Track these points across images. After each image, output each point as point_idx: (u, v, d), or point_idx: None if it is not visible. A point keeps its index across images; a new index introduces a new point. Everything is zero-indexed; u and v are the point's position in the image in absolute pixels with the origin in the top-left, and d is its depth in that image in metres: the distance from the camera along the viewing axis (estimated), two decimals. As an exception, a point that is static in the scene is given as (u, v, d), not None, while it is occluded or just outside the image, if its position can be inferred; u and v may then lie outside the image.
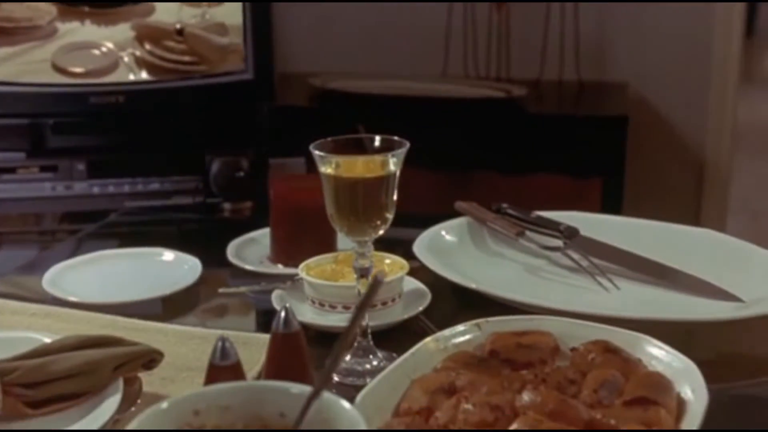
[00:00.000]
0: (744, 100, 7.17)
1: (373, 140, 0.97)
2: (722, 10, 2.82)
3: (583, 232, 1.28)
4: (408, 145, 0.95)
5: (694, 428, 0.80)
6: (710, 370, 0.90)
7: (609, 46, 2.87)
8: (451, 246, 1.29)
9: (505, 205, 1.35)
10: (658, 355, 0.92)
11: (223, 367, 0.82)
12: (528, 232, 1.30)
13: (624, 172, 2.42)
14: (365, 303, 0.67)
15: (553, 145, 2.41)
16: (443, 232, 1.32)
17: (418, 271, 1.20)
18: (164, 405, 0.73)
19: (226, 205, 1.76)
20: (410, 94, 2.60)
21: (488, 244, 1.32)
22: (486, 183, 2.44)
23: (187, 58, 1.68)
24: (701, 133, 2.90)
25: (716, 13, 2.81)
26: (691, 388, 0.86)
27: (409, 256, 1.19)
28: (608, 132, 2.40)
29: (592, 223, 1.31)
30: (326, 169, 0.95)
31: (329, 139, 0.97)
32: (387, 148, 0.95)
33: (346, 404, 0.71)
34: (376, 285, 0.66)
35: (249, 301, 1.23)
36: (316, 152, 0.95)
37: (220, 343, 0.83)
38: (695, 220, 2.86)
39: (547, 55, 2.84)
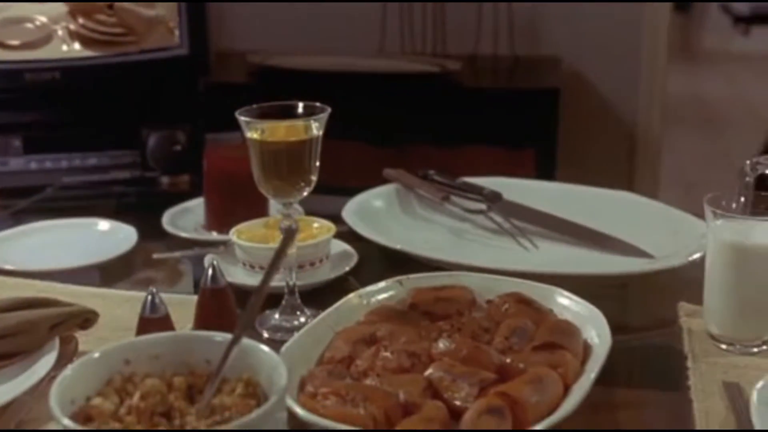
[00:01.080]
0: (682, 74, 7.35)
1: (296, 107, 1.01)
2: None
3: (506, 196, 1.34)
4: (329, 110, 0.99)
5: (597, 368, 0.86)
6: (620, 322, 0.97)
7: (542, 21, 2.93)
8: (379, 211, 1.34)
9: (431, 172, 1.40)
10: (567, 305, 0.98)
11: (152, 320, 0.86)
12: (453, 197, 1.35)
13: (556, 142, 2.48)
14: (280, 251, 0.71)
15: (487, 118, 2.47)
16: (371, 198, 1.36)
17: (347, 235, 1.24)
18: (96, 354, 0.77)
19: (164, 179, 1.78)
20: (348, 70, 2.63)
21: (415, 208, 1.37)
22: (423, 155, 2.49)
23: (117, 30, 1.71)
24: (633, 106, 2.98)
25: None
26: (597, 333, 0.92)
27: (341, 223, 1.24)
28: (541, 104, 2.47)
29: (515, 188, 1.37)
30: (252, 135, 0.99)
31: (255, 106, 1.01)
32: (309, 113, 0.99)
33: (265, 348, 0.75)
34: (290, 233, 0.70)
35: (184, 268, 1.27)
36: (242, 118, 0.99)
37: (149, 297, 0.87)
38: (628, 190, 2.93)
39: (482, 30, 2.89)
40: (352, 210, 1.30)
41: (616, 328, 0.93)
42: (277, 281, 1.08)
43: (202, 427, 0.70)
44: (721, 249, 0.97)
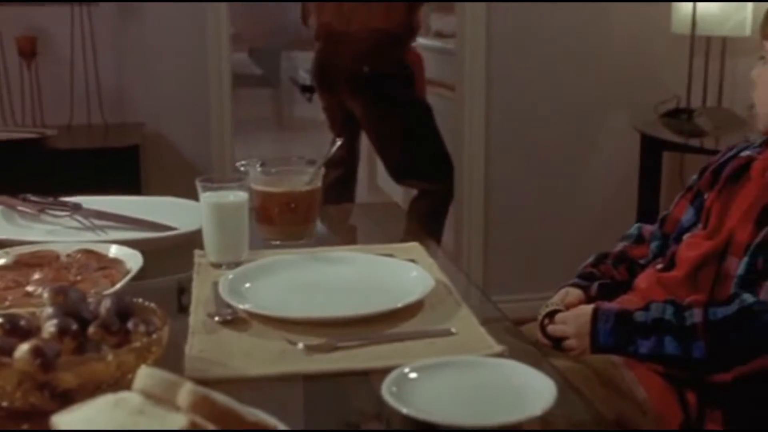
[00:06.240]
0: (273, 141, 8.20)
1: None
2: (215, 62, 3.59)
3: (86, 206, 1.90)
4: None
5: (131, 274, 1.45)
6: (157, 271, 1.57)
7: (127, 92, 3.53)
8: (-7, 224, 1.84)
9: (29, 195, 1.93)
10: (118, 252, 1.57)
11: None
12: (47, 209, 1.90)
13: (141, 190, 3.07)
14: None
15: (80, 172, 3.00)
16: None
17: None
18: None
19: None
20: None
21: (18, 221, 1.89)
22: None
23: None
24: (208, 162, 3.64)
25: (209, 60, 3.58)
26: (133, 264, 1.52)
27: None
28: (124, 159, 3.06)
29: (92, 201, 1.94)
30: None
31: None
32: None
33: None
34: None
35: None
36: None
37: None
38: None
39: (75, 102, 3.42)
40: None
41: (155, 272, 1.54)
42: None
43: None
44: (209, 209, 1.61)
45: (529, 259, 3.85)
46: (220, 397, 0.91)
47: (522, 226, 3.88)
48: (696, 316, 1.44)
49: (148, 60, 3.53)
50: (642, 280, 1.65)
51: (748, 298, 1.42)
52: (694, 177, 1.74)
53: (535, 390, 1.11)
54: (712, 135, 3.56)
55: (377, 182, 5.77)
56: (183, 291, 1.55)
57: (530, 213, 3.87)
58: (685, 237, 1.63)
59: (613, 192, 3.86)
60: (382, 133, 3.89)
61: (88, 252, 1.56)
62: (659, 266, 1.64)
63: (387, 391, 1.09)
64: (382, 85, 3.75)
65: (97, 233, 1.83)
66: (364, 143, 4.23)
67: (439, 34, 5.27)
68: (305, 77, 6.63)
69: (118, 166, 3.06)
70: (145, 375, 0.94)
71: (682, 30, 3.64)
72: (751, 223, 1.50)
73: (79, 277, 1.45)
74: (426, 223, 3.71)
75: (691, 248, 1.58)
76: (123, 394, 0.93)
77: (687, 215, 1.68)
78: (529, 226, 3.88)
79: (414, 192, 4.11)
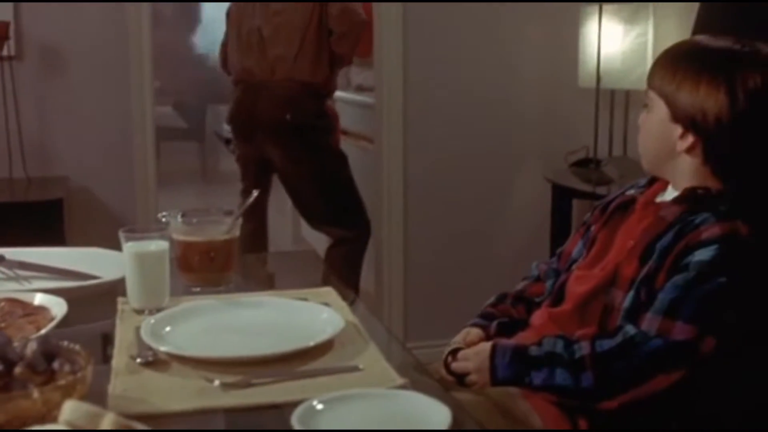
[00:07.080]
0: (198, 194, 8.20)
1: None
2: (138, 115, 3.67)
3: (9, 257, 1.97)
4: None
5: (58, 318, 1.52)
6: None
7: (51, 146, 3.59)
8: None
9: (-42, 248, 1.99)
10: (44, 301, 1.64)
11: None
12: (-30, 261, 1.95)
13: (65, 244, 3.11)
14: None
15: (1, 227, 3.04)
16: None
17: None
18: None
19: None
20: None
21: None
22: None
23: None
24: (133, 215, 3.70)
25: (133, 117, 3.66)
26: (58, 311, 1.59)
27: None
28: (48, 213, 3.11)
29: (16, 253, 2.00)
30: None
31: None
32: None
33: None
34: None
35: None
36: None
37: None
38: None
39: (-2, 156, 3.48)
40: None
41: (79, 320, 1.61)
42: None
43: None
44: (131, 258, 1.69)
45: (448, 305, 3.97)
46: (140, 426, 1.00)
47: (441, 274, 4.01)
48: (584, 348, 1.56)
49: (72, 113, 3.60)
50: (536, 318, 1.77)
51: (630, 329, 1.55)
52: (589, 214, 1.89)
53: (432, 417, 1.21)
54: (618, 183, 3.73)
55: (302, 233, 5.86)
56: (108, 341, 1.60)
57: (448, 260, 4.01)
58: (573, 267, 1.77)
59: (527, 238, 4.02)
60: (301, 180, 3.96)
61: (13, 300, 1.62)
62: (549, 301, 1.77)
63: (296, 421, 1.19)
64: (303, 133, 3.84)
65: (22, 283, 1.89)
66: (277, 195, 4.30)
67: (360, 88, 5.43)
68: (228, 130, 6.72)
69: (41, 220, 3.11)
70: (70, 408, 1.02)
71: (587, 84, 3.84)
72: (636, 259, 1.63)
73: (3, 324, 1.51)
74: (342, 269, 3.81)
75: (579, 283, 1.72)
76: (49, 426, 1.01)
77: (577, 248, 1.83)
78: (447, 274, 4.01)
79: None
